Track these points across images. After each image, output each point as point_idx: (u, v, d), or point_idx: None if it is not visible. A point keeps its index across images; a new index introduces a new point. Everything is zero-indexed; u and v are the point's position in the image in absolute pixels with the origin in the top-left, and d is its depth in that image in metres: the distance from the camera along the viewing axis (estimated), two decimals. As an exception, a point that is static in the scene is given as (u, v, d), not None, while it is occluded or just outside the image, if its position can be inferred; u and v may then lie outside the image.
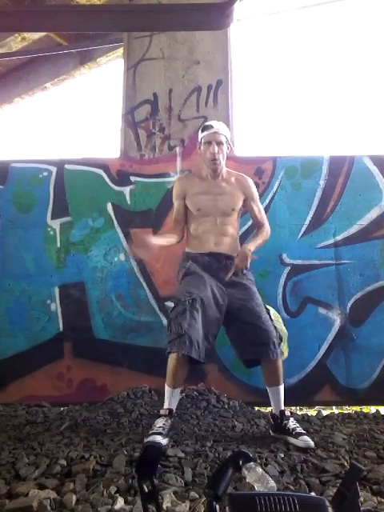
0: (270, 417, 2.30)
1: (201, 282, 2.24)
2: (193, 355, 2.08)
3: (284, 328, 2.29)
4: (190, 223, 2.46)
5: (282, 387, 2.21)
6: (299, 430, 2.09)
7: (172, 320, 2.18)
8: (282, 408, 2.20)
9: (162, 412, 2.20)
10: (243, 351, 2.25)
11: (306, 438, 2.02)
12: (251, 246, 2.33)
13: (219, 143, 2.35)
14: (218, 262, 2.33)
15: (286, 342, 2.26)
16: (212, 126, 2.37)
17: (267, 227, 2.49)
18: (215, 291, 2.24)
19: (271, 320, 2.23)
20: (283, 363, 2.23)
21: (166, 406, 2.22)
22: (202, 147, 2.41)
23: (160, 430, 2.08)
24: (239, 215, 2.51)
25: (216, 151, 2.33)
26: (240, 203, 2.44)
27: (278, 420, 2.18)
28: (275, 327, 2.21)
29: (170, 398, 2.23)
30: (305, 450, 1.95)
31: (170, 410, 2.19)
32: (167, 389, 2.25)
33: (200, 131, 2.43)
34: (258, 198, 2.52)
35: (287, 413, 2.19)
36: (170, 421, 2.15)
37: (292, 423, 2.13)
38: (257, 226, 2.54)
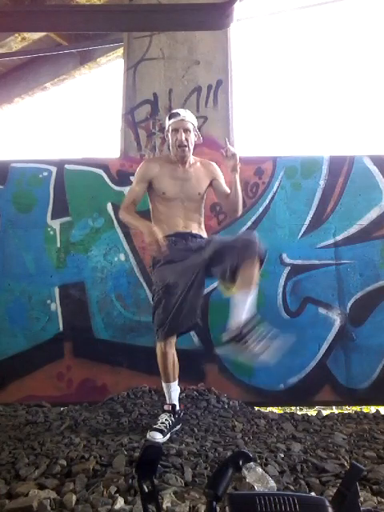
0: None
1: (169, 267, 2.26)
2: (168, 334, 2.19)
3: None
4: (155, 208, 2.47)
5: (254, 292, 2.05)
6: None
7: (153, 312, 2.27)
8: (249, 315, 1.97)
9: (165, 407, 2.23)
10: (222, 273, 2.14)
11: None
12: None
13: (186, 130, 2.37)
14: (185, 239, 2.34)
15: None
16: (179, 114, 2.39)
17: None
18: (184, 264, 2.24)
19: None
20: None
21: (168, 401, 2.25)
22: (169, 134, 2.43)
23: (162, 427, 2.08)
24: (204, 202, 2.52)
25: (183, 138, 2.35)
26: (205, 188, 2.49)
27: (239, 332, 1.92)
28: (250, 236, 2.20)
29: (169, 393, 2.25)
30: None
31: (173, 406, 2.21)
32: (163, 385, 2.28)
33: (167, 119, 2.46)
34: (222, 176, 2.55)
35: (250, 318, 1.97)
36: (173, 418, 2.16)
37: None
38: (225, 198, 2.50)
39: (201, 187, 2.46)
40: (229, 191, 2.47)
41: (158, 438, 2.03)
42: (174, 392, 2.25)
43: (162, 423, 2.12)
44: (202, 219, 2.51)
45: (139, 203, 2.50)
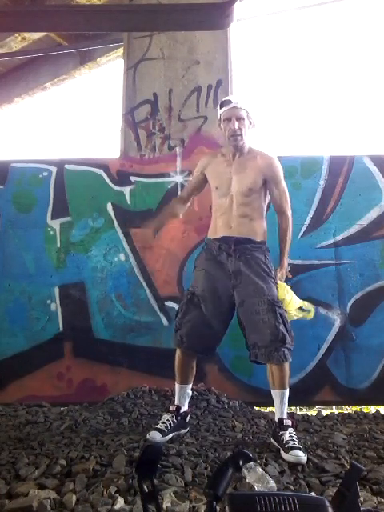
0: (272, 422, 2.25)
1: (204, 276, 2.20)
2: (183, 348, 2.18)
3: (296, 305, 2.15)
4: (213, 204, 2.34)
5: (282, 393, 2.06)
6: (293, 443, 1.90)
7: (176, 314, 2.29)
8: (281, 416, 2.06)
9: (170, 408, 2.23)
10: (247, 349, 2.16)
11: (298, 453, 1.84)
12: (285, 261, 2.24)
13: (239, 118, 2.21)
14: (228, 246, 2.17)
15: (307, 308, 2.15)
16: (230, 101, 2.24)
17: (288, 217, 2.28)
18: (217, 285, 2.17)
19: (279, 317, 2.04)
20: (289, 367, 2.09)
21: (175, 402, 2.25)
22: (221, 124, 2.29)
23: (162, 426, 2.08)
24: (263, 196, 2.28)
25: (236, 127, 2.20)
26: (259, 183, 2.23)
27: (276, 428, 2.04)
28: (280, 325, 2.03)
29: (178, 394, 2.25)
30: (295, 465, 1.80)
31: (177, 407, 2.20)
32: (175, 385, 2.28)
33: (218, 107, 2.32)
34: (281, 180, 2.29)
35: (287, 422, 2.03)
36: (175, 419, 2.14)
37: (288, 435, 1.95)
38: (277, 213, 2.32)
39: (253, 182, 2.22)
40: (277, 203, 2.29)
41: (157, 437, 2.03)
42: (181, 394, 2.23)
43: (163, 423, 2.11)
44: (259, 215, 2.25)
45: (194, 195, 2.47)
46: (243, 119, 2.23)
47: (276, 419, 2.08)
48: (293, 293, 2.18)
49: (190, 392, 2.32)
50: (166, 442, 2.06)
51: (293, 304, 2.14)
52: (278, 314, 2.04)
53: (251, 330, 2.09)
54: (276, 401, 2.09)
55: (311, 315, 2.20)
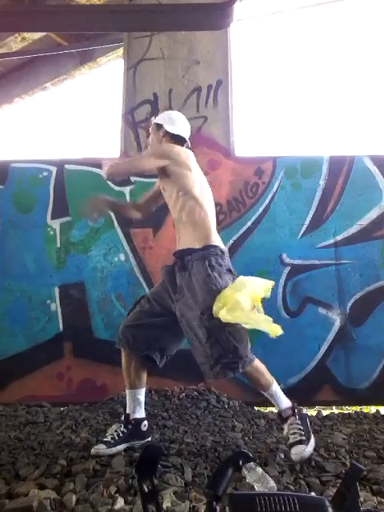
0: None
1: (160, 282, 2.13)
2: (119, 345, 2.03)
3: (249, 316, 1.79)
4: None
5: (268, 393, 1.93)
6: (294, 437, 1.82)
7: None
8: (277, 409, 1.96)
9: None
10: None
11: (299, 448, 1.77)
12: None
13: (149, 133, 2.33)
14: (175, 261, 2.05)
15: (262, 325, 1.79)
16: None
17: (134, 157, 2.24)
18: (162, 295, 2.05)
19: (207, 331, 1.82)
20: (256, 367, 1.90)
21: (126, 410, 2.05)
22: None
23: (108, 438, 1.91)
24: (188, 195, 2.04)
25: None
26: (165, 177, 2.09)
27: (280, 423, 2.00)
28: (209, 341, 1.82)
29: (127, 401, 2.03)
30: (298, 463, 1.75)
31: (126, 416, 2.00)
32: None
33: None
34: (148, 150, 2.32)
35: (285, 413, 1.91)
36: (124, 428, 1.94)
37: (287, 429, 1.88)
38: None
39: (160, 179, 2.16)
40: None
41: (101, 448, 1.85)
42: (132, 400, 2.01)
43: (110, 434, 1.93)
44: (194, 217, 2.01)
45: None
46: (149, 131, 2.32)
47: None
48: (248, 290, 1.83)
49: (139, 397, 2.04)
50: (166, 442, 2.06)
51: (239, 306, 1.77)
52: (209, 328, 1.82)
53: (190, 346, 1.96)
54: (270, 400, 1.98)
55: (272, 333, 1.78)
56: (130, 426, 1.96)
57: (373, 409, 3.29)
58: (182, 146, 2.24)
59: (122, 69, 4.00)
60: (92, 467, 1.67)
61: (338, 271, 3.45)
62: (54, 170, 3.66)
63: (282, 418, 1.93)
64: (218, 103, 3.80)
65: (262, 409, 3.05)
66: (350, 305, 3.41)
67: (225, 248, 2.05)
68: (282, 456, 1.85)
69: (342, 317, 3.39)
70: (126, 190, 3.61)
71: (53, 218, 3.58)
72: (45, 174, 3.65)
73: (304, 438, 1.81)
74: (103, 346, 3.37)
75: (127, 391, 2.02)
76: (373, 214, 3.54)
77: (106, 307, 3.44)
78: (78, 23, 3.33)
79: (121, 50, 4.88)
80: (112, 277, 3.49)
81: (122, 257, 3.51)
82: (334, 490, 0.73)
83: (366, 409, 3.42)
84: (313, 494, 1.49)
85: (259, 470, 1.43)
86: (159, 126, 2.25)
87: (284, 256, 3.48)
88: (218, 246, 1.99)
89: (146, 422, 2.03)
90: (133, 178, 3.63)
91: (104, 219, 3.56)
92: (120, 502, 1.35)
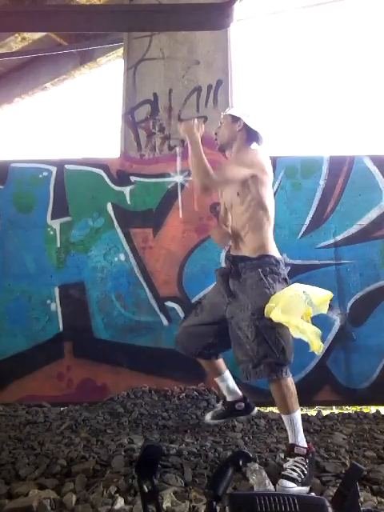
0: None
1: (215, 287, 2.22)
2: (177, 349, 2.31)
3: (299, 326, 1.81)
4: None
5: (289, 417, 1.81)
6: (292, 473, 1.66)
7: None
8: (292, 441, 1.79)
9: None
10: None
11: (290, 484, 1.61)
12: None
13: (221, 124, 2.18)
14: (230, 265, 2.06)
15: (308, 335, 1.81)
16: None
17: (219, 171, 1.98)
18: (217, 298, 2.11)
19: (258, 330, 1.84)
20: (289, 385, 1.83)
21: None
22: None
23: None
24: (256, 200, 2.01)
25: (213, 132, 2.19)
26: (242, 182, 2.00)
27: (286, 454, 1.81)
28: (257, 339, 1.84)
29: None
30: None
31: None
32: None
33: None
34: (240, 161, 2.03)
35: (298, 449, 1.75)
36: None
37: (292, 463, 1.71)
38: None
39: (236, 185, 2.02)
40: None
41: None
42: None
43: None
44: (257, 224, 2.01)
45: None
46: (222, 123, 2.18)
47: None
48: (297, 304, 1.84)
49: (228, 383, 2.33)
50: (166, 442, 2.06)
51: (290, 316, 1.79)
52: (258, 327, 1.84)
53: (234, 346, 1.98)
54: (285, 423, 1.87)
55: (315, 348, 1.81)
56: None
57: (373, 409, 3.29)
58: (257, 143, 2.14)
59: (122, 69, 4.00)
60: (92, 467, 1.67)
61: (338, 271, 3.45)
62: (53, 169, 3.65)
63: (291, 450, 1.76)
64: (218, 103, 3.80)
65: (262, 409, 3.05)
66: (349, 305, 3.41)
67: (281, 257, 2.05)
68: (282, 456, 1.85)
69: (342, 317, 3.38)
70: (126, 190, 3.61)
71: (53, 218, 3.58)
72: (45, 173, 3.65)
73: (301, 479, 1.64)
74: (103, 346, 3.37)
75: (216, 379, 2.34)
76: (373, 214, 3.54)
77: (106, 307, 3.44)
78: (77, 23, 3.32)
79: (121, 50, 4.88)
80: (112, 277, 3.49)
81: (122, 257, 3.51)
82: (334, 490, 0.73)
83: (366, 409, 3.42)
84: (313, 494, 1.49)
85: (263, 473, 1.43)
86: (235, 119, 2.12)
87: (284, 256, 3.47)
88: (272, 256, 2.00)
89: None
90: (133, 178, 3.63)
91: (104, 219, 3.56)
92: (120, 502, 1.36)
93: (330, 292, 1.94)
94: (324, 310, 1.91)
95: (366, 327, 3.37)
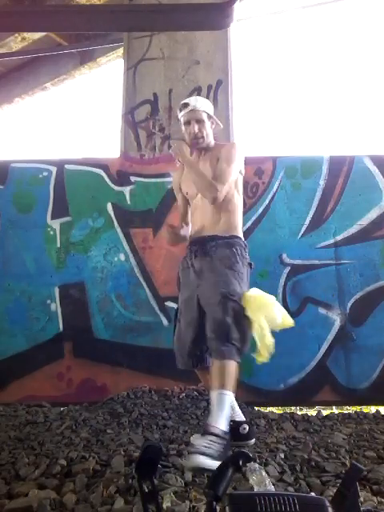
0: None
1: (181, 285, 2.14)
2: (179, 366, 2.09)
3: (261, 325, 1.80)
4: (190, 212, 2.27)
5: (219, 395, 1.73)
6: (203, 448, 1.58)
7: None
8: (210, 420, 1.71)
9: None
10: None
11: (201, 458, 1.54)
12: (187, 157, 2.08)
13: (199, 121, 2.12)
14: (196, 247, 2.06)
15: (263, 342, 1.79)
16: (188, 104, 2.13)
17: (219, 178, 2.02)
18: (188, 291, 2.06)
19: (228, 311, 1.83)
20: (233, 369, 1.79)
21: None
22: (182, 128, 2.18)
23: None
24: (232, 187, 2.10)
25: (196, 130, 2.11)
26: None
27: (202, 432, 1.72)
28: (227, 319, 1.82)
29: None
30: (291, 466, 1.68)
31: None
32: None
33: (178, 111, 2.20)
34: (232, 160, 2.06)
35: (212, 429, 1.67)
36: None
37: (205, 438, 1.64)
38: None
39: (211, 172, 2.07)
40: (214, 176, 2.06)
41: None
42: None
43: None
44: (233, 210, 2.09)
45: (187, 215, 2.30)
46: (203, 121, 2.14)
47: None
48: (266, 308, 1.84)
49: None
50: (166, 442, 2.06)
51: (259, 314, 1.81)
52: (229, 308, 1.83)
53: (208, 319, 1.90)
54: (211, 403, 1.77)
55: (259, 358, 1.79)
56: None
57: (373, 409, 3.29)
58: None
59: (122, 69, 4.01)
60: (92, 467, 1.67)
61: (338, 271, 3.46)
62: (53, 169, 3.66)
63: (207, 429, 1.68)
64: (217, 103, 3.80)
65: (261, 409, 3.05)
66: (349, 305, 3.41)
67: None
68: (282, 456, 1.85)
69: (342, 317, 3.39)
70: (126, 190, 3.62)
71: (53, 217, 3.58)
72: (45, 173, 3.65)
73: (212, 454, 1.57)
74: (103, 346, 3.37)
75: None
76: (373, 214, 3.54)
77: (106, 307, 3.44)
78: (78, 23, 3.33)
79: (121, 50, 4.88)
80: (112, 277, 3.49)
81: (122, 257, 3.51)
82: (334, 490, 0.73)
83: (366, 409, 3.42)
84: (313, 494, 1.49)
85: (264, 473, 1.43)
86: (209, 116, 2.16)
87: (284, 256, 3.48)
88: (242, 239, 2.08)
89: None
90: (133, 178, 3.63)
91: (104, 219, 3.57)
92: (120, 502, 1.35)
93: (291, 321, 1.92)
94: (278, 327, 1.89)
95: (365, 327, 3.37)
